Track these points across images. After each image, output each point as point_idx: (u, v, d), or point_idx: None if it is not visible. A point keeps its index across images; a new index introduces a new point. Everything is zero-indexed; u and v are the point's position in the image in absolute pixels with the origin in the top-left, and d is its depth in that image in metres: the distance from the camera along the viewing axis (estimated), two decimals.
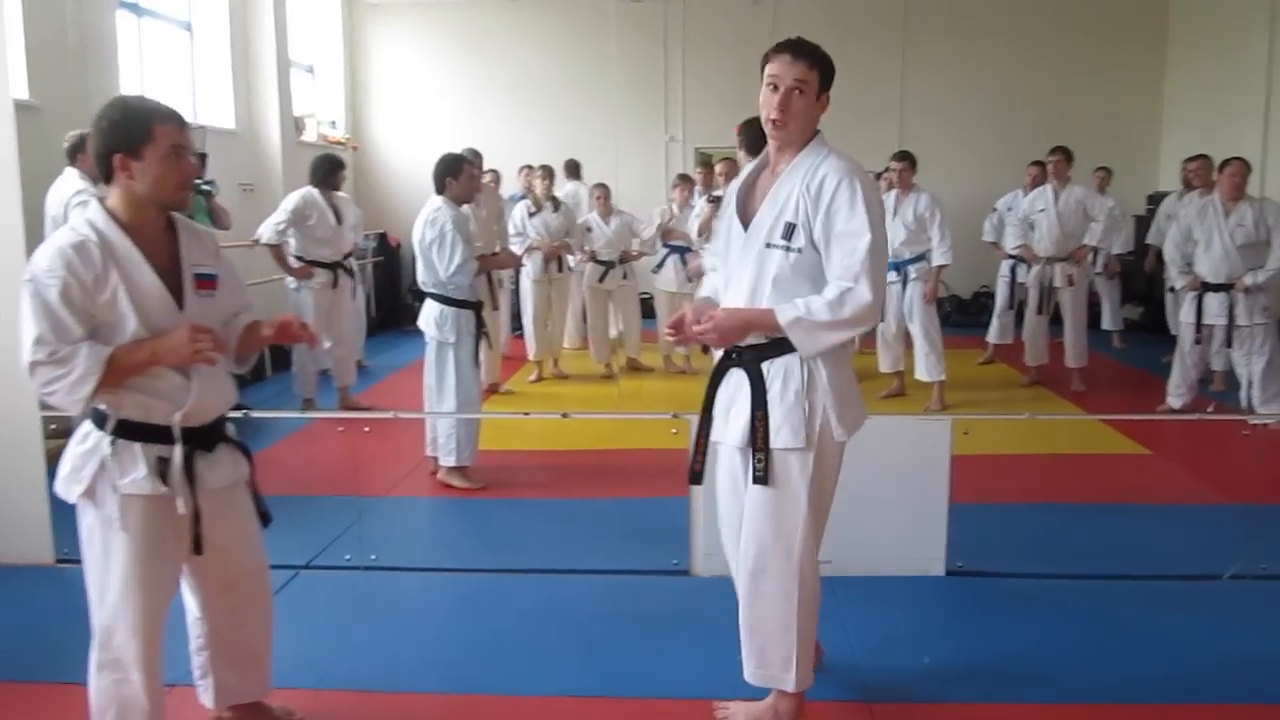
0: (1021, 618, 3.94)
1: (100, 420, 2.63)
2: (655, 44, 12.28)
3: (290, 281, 7.32)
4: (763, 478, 2.87)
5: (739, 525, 3.01)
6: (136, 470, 2.61)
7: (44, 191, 5.45)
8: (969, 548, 4.32)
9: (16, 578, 4.32)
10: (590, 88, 12.37)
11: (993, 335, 9.05)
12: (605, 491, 5.57)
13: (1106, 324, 10.04)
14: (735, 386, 2.95)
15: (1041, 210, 8.07)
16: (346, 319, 7.59)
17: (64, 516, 4.42)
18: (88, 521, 2.66)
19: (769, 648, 2.99)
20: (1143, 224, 10.74)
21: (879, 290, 2.77)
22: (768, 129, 2.89)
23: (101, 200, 2.65)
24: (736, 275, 2.92)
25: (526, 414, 5.35)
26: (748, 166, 3.14)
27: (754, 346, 2.89)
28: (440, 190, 5.54)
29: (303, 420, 6.82)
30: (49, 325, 2.48)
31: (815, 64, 2.83)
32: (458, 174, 5.52)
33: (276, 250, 7.15)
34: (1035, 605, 4.05)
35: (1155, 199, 10.98)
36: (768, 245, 2.85)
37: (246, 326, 2.87)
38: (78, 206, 5.38)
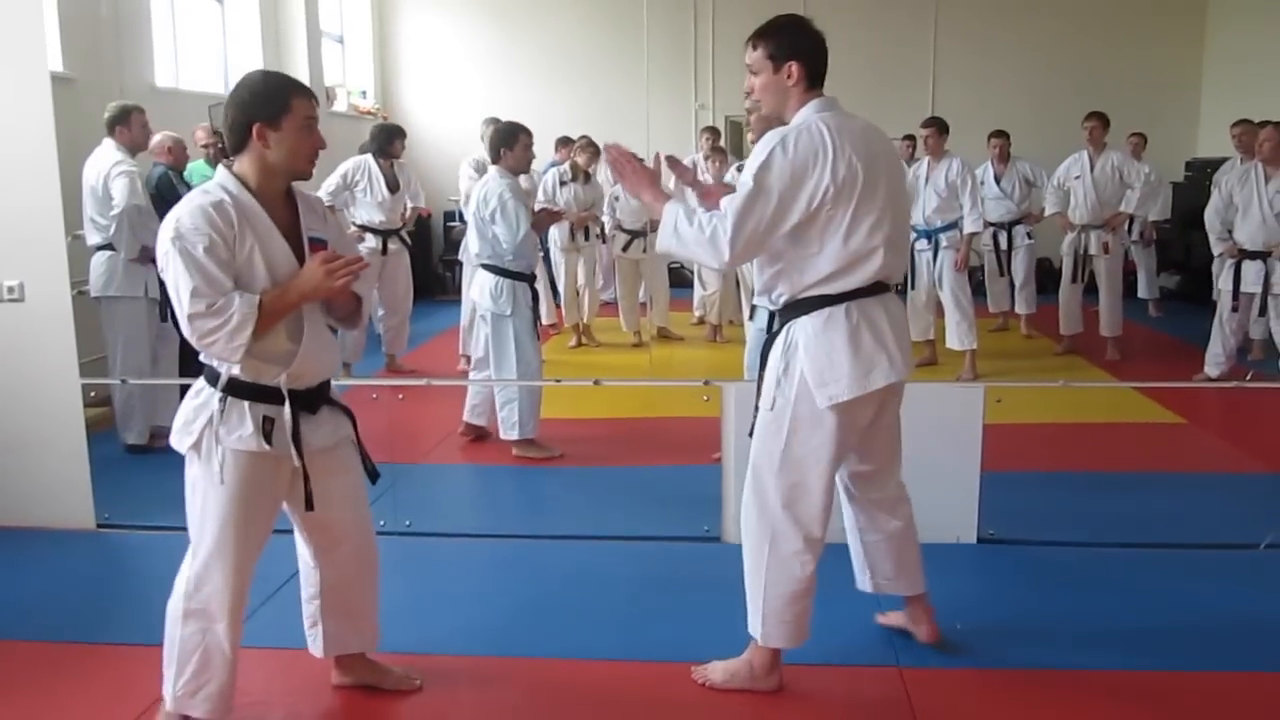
0: (1053, 585, 3.94)
1: (213, 378, 2.72)
2: (685, 10, 12.16)
3: None
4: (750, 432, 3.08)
5: None
6: (244, 428, 2.70)
7: (80, 162, 5.50)
8: (1001, 516, 4.32)
9: (59, 542, 4.40)
10: (620, 55, 12.26)
11: (991, 304, 9.02)
12: (637, 459, 5.59)
13: (1142, 292, 9.90)
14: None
15: (1077, 177, 7.96)
16: (400, 288, 7.70)
17: (106, 482, 4.55)
18: (192, 473, 2.76)
19: (749, 595, 3.14)
20: (1180, 191, 10.58)
21: (738, 237, 2.79)
22: None
23: (229, 167, 2.73)
24: None
25: (558, 381, 5.37)
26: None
27: (775, 313, 3.06)
28: (495, 160, 5.56)
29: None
30: (202, 278, 2.56)
31: (758, 44, 2.98)
32: (513, 144, 5.52)
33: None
34: (1067, 573, 4.05)
35: (1194, 165, 10.82)
36: None
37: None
38: (118, 177, 5.44)
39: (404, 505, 4.56)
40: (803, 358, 2.93)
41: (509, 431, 5.58)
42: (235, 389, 2.70)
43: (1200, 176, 10.06)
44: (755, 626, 3.12)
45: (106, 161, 5.50)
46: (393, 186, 7.53)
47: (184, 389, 5.88)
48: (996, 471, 4.34)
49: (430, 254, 11.60)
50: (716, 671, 3.19)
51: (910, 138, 9.26)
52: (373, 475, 3.01)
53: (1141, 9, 11.76)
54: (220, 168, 2.76)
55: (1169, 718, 3.07)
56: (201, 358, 2.75)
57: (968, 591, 3.88)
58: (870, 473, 3.26)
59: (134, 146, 5.64)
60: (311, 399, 2.81)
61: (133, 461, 5.54)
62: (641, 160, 3.07)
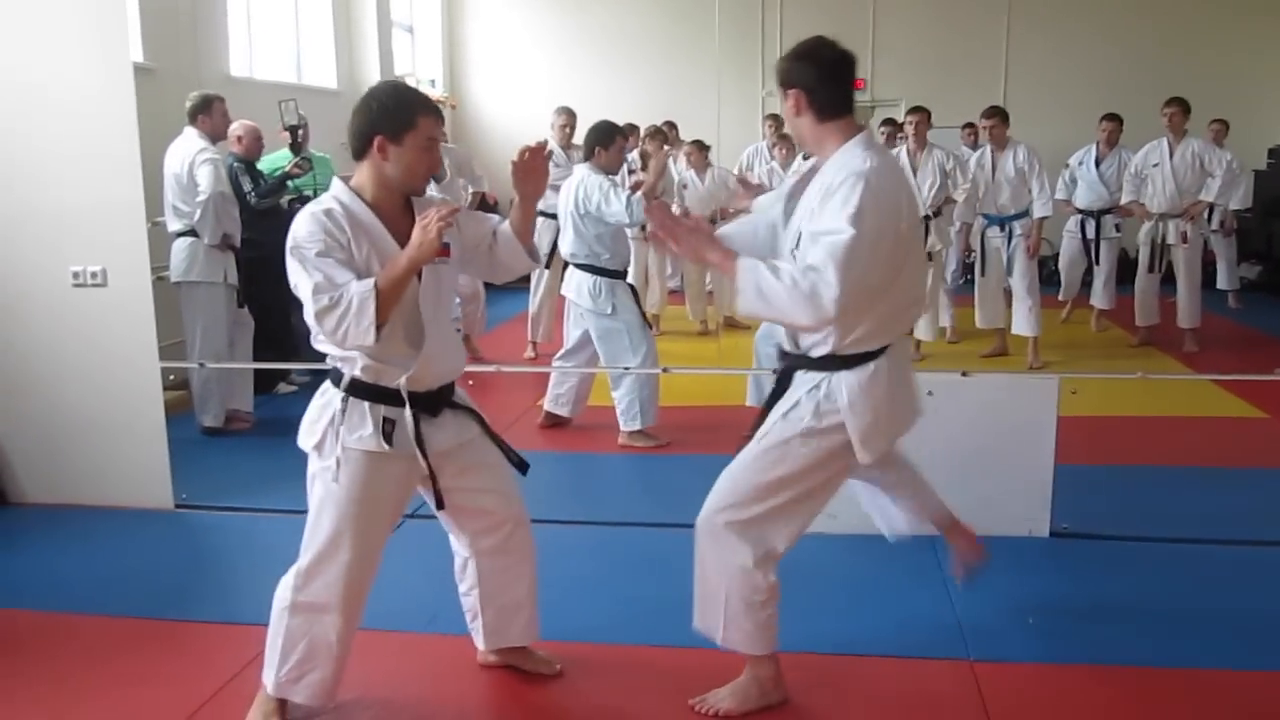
0: (1127, 581, 3.87)
1: (338, 379, 2.77)
2: None
3: None
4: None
5: None
6: (364, 428, 2.73)
7: (159, 151, 5.61)
8: (1075, 509, 4.25)
9: (139, 521, 4.52)
10: (688, 43, 12.24)
11: (1063, 292, 8.90)
12: (705, 447, 5.56)
13: (1222, 283, 9.68)
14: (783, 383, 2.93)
15: (1155, 165, 7.77)
16: (471, 278, 7.67)
17: (183, 463, 4.66)
18: (312, 470, 2.80)
19: (710, 603, 3.01)
20: (1263, 179, 10.32)
21: (845, 289, 2.51)
22: None
23: (345, 178, 2.76)
24: None
25: (626, 369, 5.38)
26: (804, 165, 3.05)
27: (799, 357, 2.85)
28: (588, 157, 5.59)
29: None
30: (321, 276, 2.57)
31: (777, 77, 2.80)
32: (609, 144, 5.55)
33: None
34: (1142, 569, 3.97)
35: (1277, 153, 10.54)
36: (791, 254, 2.74)
37: (510, 226, 2.95)
38: (203, 165, 5.55)
39: None
40: (846, 415, 2.77)
41: (630, 422, 5.60)
42: (357, 390, 2.74)
43: None
44: (715, 632, 3.00)
45: (190, 149, 5.61)
46: (436, 175, 7.38)
47: (259, 373, 6.02)
48: (1070, 464, 4.26)
49: None
50: (726, 700, 3.04)
51: (970, 125, 9.12)
52: (520, 466, 3.05)
53: None
54: (336, 179, 2.78)
55: (1247, 717, 3.00)
56: (328, 361, 2.79)
57: (1040, 585, 3.83)
58: (878, 469, 3.19)
59: (215, 135, 5.75)
60: (433, 402, 2.82)
61: (209, 443, 5.66)
62: (690, 220, 2.89)
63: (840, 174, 2.64)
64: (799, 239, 2.70)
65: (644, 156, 8.56)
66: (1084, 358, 7.62)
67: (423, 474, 2.83)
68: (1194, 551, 4.11)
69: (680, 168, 9.20)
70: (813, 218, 2.65)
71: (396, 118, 2.66)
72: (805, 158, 8.09)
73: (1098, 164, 8.29)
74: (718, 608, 2.97)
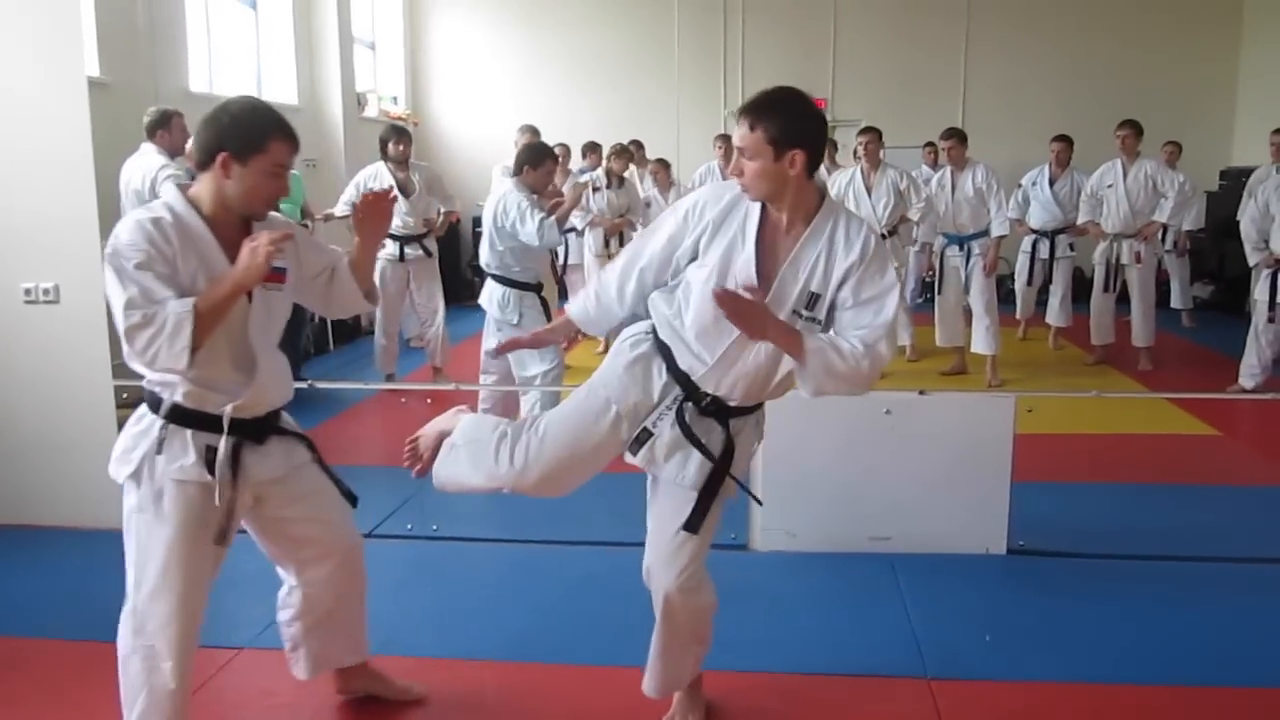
0: (1083, 598, 3.90)
1: (155, 404, 2.60)
2: (715, 16, 12.17)
3: None
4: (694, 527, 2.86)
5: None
6: (185, 457, 2.58)
7: (114, 166, 5.55)
8: (1031, 527, 4.28)
9: (92, 542, 4.41)
10: (650, 61, 12.31)
11: (1019, 311, 9.01)
12: (624, 466, 5.55)
13: (1176, 302, 9.83)
14: (700, 430, 2.80)
15: (1110, 186, 7.89)
16: (423, 294, 7.54)
17: None
18: (130, 503, 2.64)
19: (673, 667, 3.05)
20: (1215, 200, 10.49)
21: (892, 352, 2.69)
22: None
23: (183, 187, 2.62)
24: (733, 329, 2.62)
25: (531, 379, 5.40)
26: (745, 207, 2.67)
27: (731, 406, 2.76)
28: (517, 173, 5.63)
29: (366, 392, 6.92)
30: (137, 290, 2.41)
31: (757, 124, 2.52)
32: (537, 165, 5.59)
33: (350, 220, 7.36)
34: (1098, 586, 4.00)
35: (1229, 175, 10.73)
36: (795, 313, 2.62)
37: (350, 265, 2.84)
38: (167, 181, 5.48)
39: (431, 510, 4.57)
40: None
41: None
42: (177, 416, 2.57)
43: (1235, 186, 9.97)
44: (683, 682, 3.06)
45: (152, 165, 5.55)
46: (406, 191, 7.24)
47: None
48: (1027, 482, 4.30)
49: (459, 259, 11.64)
50: (688, 713, 3.07)
51: (931, 144, 9.23)
52: (349, 498, 2.90)
53: (1176, 18, 11.67)
54: (171, 185, 2.63)
55: None
56: (144, 383, 2.62)
57: (997, 603, 3.86)
58: None
59: (174, 150, 5.70)
60: (258, 429, 2.68)
61: None
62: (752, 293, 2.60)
63: (851, 234, 2.60)
64: (813, 300, 2.62)
65: (609, 174, 8.59)
66: (1041, 376, 7.70)
67: (247, 504, 2.69)
68: (1149, 568, 4.16)
69: (645, 186, 9.24)
70: (852, 286, 2.59)
71: (246, 137, 2.50)
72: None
73: (1051, 184, 8.40)
74: (689, 659, 3.02)
